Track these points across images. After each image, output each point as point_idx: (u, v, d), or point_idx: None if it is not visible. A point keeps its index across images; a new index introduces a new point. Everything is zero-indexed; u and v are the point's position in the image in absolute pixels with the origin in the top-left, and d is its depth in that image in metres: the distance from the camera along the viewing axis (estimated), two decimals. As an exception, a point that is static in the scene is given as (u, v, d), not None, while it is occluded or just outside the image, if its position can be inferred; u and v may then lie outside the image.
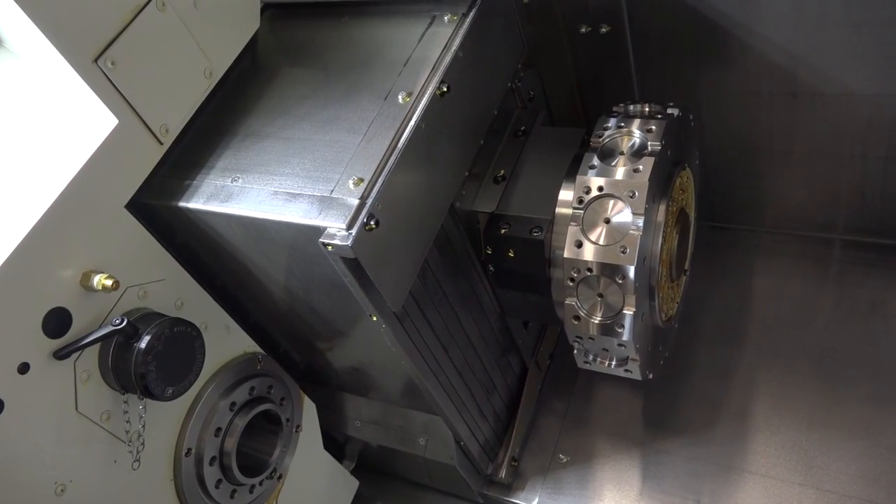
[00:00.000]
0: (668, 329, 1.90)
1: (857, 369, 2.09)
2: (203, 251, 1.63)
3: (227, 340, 1.76)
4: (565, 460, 2.22)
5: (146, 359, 1.39)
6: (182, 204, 1.51)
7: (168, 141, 1.53)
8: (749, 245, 2.47)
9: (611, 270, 1.54)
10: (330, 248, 1.33)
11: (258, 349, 1.85)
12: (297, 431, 1.98)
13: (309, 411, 2.05)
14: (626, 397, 2.29)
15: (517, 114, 1.94)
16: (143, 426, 1.51)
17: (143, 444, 1.52)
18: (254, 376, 1.81)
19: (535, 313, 1.95)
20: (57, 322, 1.35)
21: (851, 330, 2.18)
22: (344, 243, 1.31)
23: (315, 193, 1.42)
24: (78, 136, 1.39)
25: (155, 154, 1.51)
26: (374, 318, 1.53)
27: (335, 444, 2.33)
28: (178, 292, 1.60)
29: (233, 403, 1.74)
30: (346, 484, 2.30)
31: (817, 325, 2.22)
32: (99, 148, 1.38)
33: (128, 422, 1.49)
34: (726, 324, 2.33)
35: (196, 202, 1.51)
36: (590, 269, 1.56)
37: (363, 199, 1.37)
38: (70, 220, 1.35)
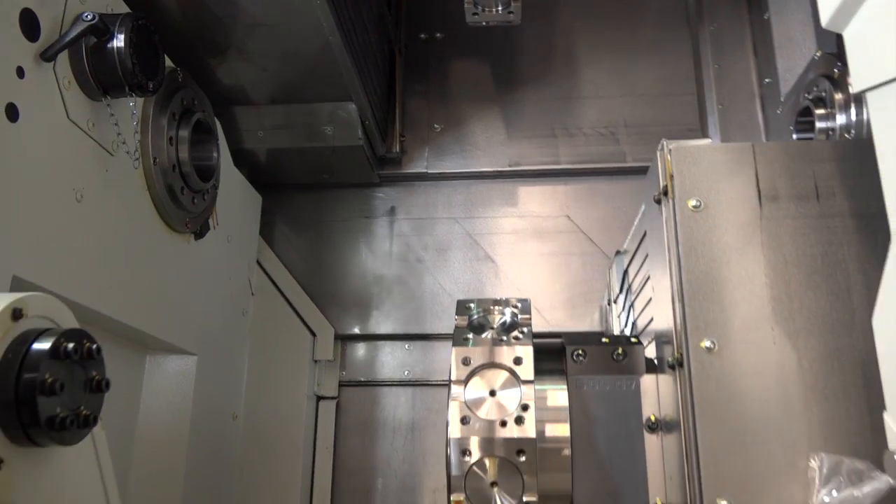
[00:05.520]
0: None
1: None
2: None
3: (147, 52, 1.75)
4: (440, 129, 2.60)
5: (130, 51, 1.42)
6: None
7: None
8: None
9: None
10: None
11: (172, 63, 1.86)
12: (218, 143, 2.08)
13: (219, 127, 2.13)
14: (474, 67, 2.67)
15: None
16: (138, 124, 1.54)
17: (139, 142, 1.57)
18: (180, 88, 1.85)
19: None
20: (30, 23, 1.31)
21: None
22: None
23: None
24: None
25: None
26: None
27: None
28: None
29: (173, 114, 1.80)
30: (254, 199, 2.48)
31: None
32: None
33: (116, 125, 1.52)
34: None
35: None
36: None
37: None
38: None
